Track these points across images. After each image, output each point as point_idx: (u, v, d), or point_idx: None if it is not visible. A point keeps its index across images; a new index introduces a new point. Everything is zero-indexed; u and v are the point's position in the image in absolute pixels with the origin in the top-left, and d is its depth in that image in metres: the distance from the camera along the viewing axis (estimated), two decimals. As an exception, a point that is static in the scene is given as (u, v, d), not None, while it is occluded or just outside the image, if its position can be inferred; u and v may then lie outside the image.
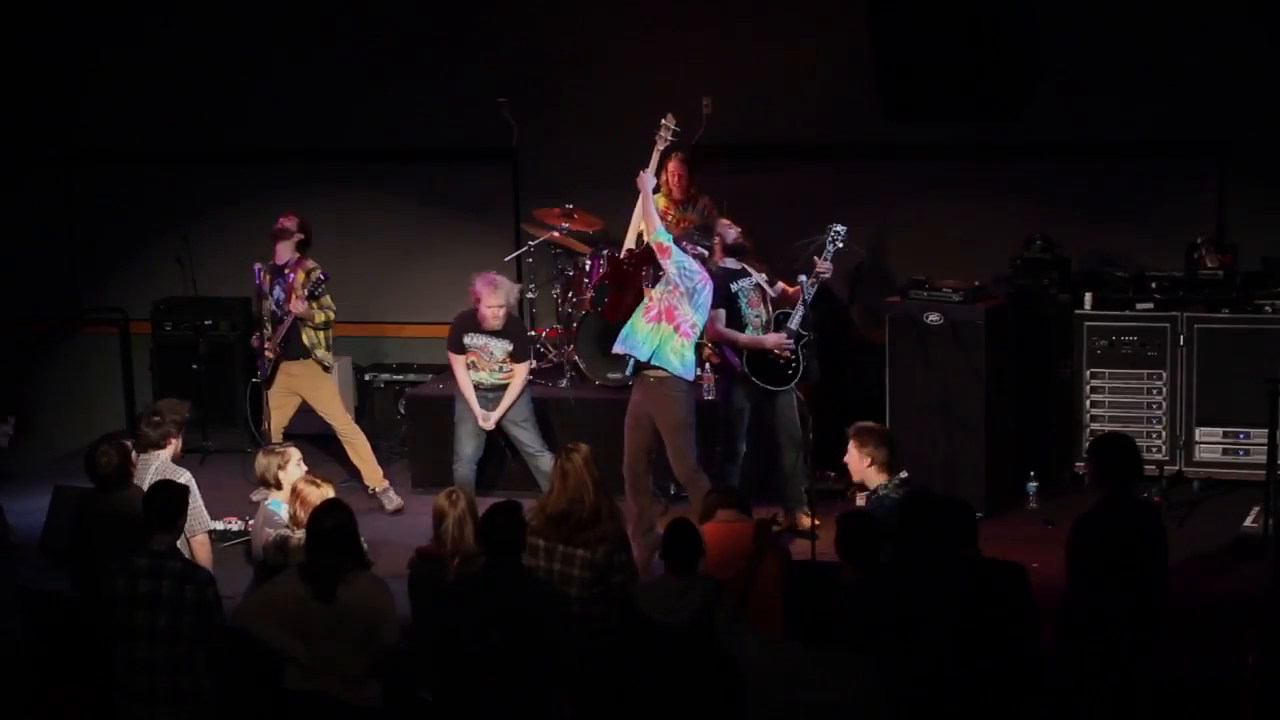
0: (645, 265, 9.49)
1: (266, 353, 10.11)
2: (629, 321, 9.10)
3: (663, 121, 9.71)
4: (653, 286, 9.09)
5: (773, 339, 9.30)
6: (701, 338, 10.37)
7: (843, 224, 9.38)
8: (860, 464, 7.53)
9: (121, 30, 12.33)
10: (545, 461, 9.61)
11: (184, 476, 7.79)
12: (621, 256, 10.10)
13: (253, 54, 12.08)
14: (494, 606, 6.38)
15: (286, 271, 10.13)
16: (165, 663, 6.59)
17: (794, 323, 9.30)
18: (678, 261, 8.89)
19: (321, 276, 10.04)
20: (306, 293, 9.99)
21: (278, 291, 10.12)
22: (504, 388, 9.85)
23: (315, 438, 10.57)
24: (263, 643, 6.61)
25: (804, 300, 9.30)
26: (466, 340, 9.85)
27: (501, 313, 9.73)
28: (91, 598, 7.27)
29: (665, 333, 8.92)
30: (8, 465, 11.16)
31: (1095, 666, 6.50)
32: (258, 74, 12.09)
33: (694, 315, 8.95)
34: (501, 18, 11.64)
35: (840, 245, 9.36)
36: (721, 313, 9.36)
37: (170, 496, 6.86)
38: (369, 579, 6.59)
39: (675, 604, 6.49)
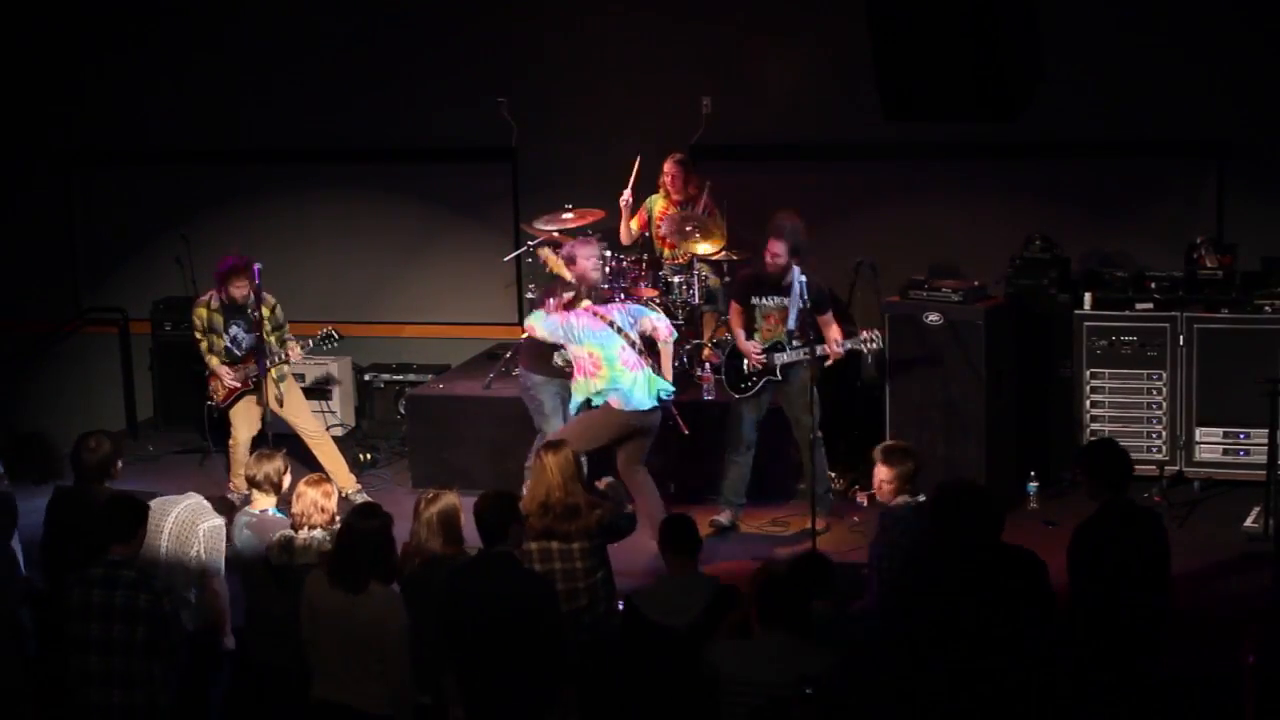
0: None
1: (234, 383, 9.98)
2: (607, 375, 9.03)
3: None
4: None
5: (744, 346, 9.44)
6: (701, 337, 10.43)
7: (878, 337, 9.40)
8: (886, 481, 7.41)
9: (121, 30, 12.33)
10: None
11: (217, 519, 7.56)
12: None
13: (253, 54, 12.09)
14: (487, 593, 6.42)
15: (250, 311, 9.91)
16: (119, 676, 6.52)
17: (780, 358, 9.38)
18: (545, 328, 9.07)
19: (333, 333, 10.13)
20: (312, 345, 10.02)
21: (235, 330, 10.00)
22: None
23: (294, 438, 10.58)
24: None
25: (794, 350, 9.31)
26: None
27: (600, 264, 9.58)
28: (58, 590, 7.21)
29: (652, 376, 9.09)
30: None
31: (1098, 673, 6.50)
32: (258, 74, 12.10)
33: (582, 350, 9.00)
34: (501, 18, 11.65)
35: (865, 351, 9.42)
36: (738, 309, 9.55)
37: (131, 509, 6.76)
38: (386, 593, 6.52)
39: (678, 604, 6.51)
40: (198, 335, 10.07)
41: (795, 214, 9.47)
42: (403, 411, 11.31)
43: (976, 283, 9.98)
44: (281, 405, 9.99)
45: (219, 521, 7.48)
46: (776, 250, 9.35)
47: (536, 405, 9.71)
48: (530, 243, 11.01)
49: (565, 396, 9.54)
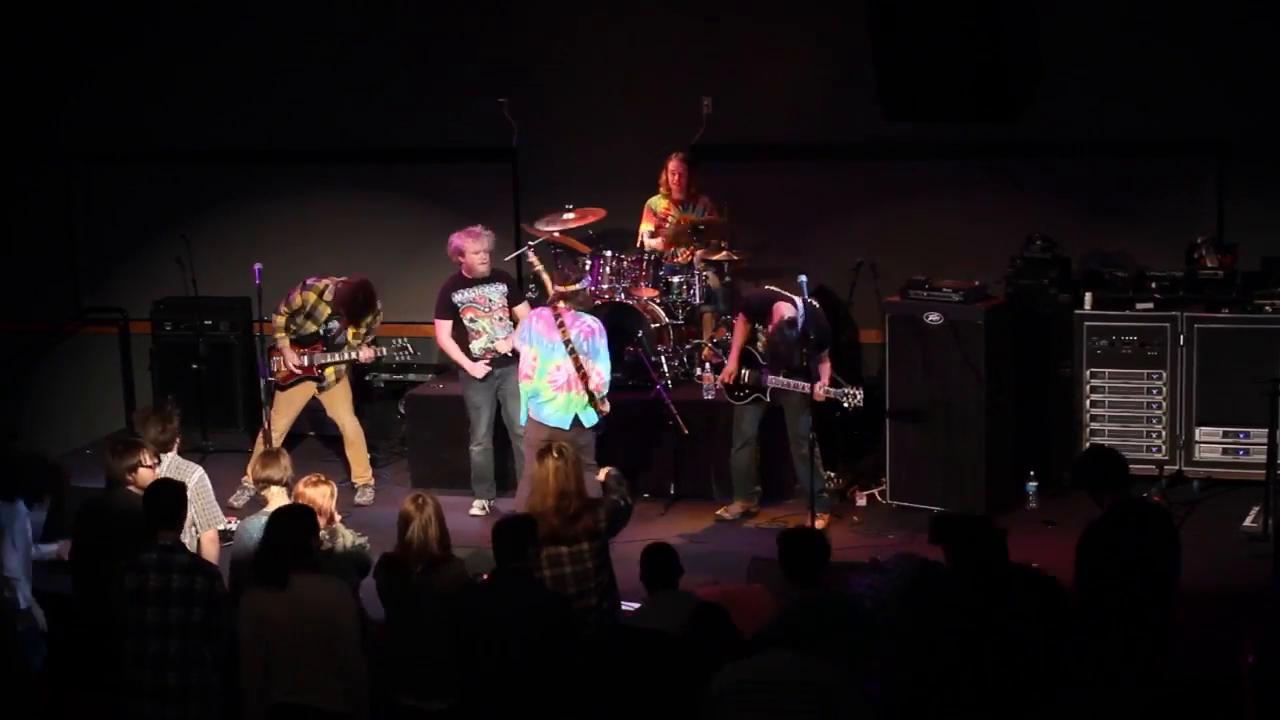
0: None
1: (296, 365, 10.13)
2: (533, 384, 9.17)
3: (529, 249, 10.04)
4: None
5: (730, 368, 9.56)
6: (701, 337, 10.44)
7: (860, 397, 9.33)
8: None
9: (122, 30, 12.32)
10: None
11: (196, 473, 7.82)
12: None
13: (253, 54, 12.08)
14: (505, 612, 6.44)
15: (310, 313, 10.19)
16: (176, 658, 6.60)
17: (772, 381, 9.45)
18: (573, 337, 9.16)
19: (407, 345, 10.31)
20: (385, 353, 10.21)
21: (334, 323, 10.15)
22: (516, 357, 9.71)
23: (318, 437, 10.60)
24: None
25: (789, 381, 9.37)
26: (458, 298, 9.87)
27: (488, 257, 9.83)
28: (91, 598, 7.29)
29: (578, 401, 9.14)
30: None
31: (1104, 672, 6.50)
32: (258, 74, 12.09)
33: (527, 351, 9.22)
34: (501, 18, 11.64)
35: (846, 406, 9.37)
36: (744, 319, 9.65)
37: (171, 492, 6.89)
38: (325, 581, 6.55)
39: (665, 614, 6.52)
40: (284, 311, 10.10)
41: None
42: (403, 411, 11.31)
43: (976, 283, 9.98)
44: (324, 390, 10.17)
45: (202, 472, 7.83)
46: (790, 314, 9.35)
47: (466, 401, 9.97)
48: (530, 243, 11.01)
49: (492, 394, 9.79)
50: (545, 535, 7.08)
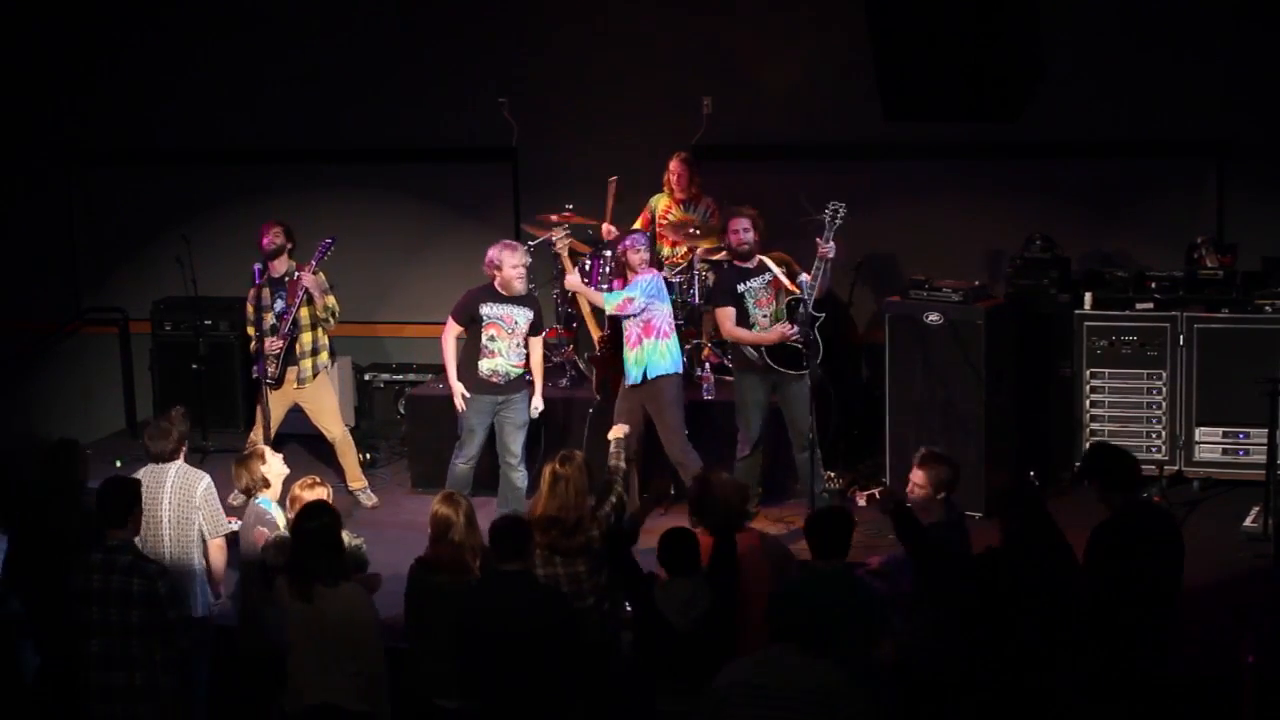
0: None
1: (273, 350, 9.83)
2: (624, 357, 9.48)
3: (554, 235, 9.95)
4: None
5: (776, 334, 9.38)
6: (701, 337, 10.43)
7: (841, 202, 9.26)
8: (918, 485, 7.39)
9: (122, 30, 12.34)
10: (520, 477, 9.49)
11: (204, 481, 7.73)
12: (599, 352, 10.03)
13: (254, 54, 12.09)
14: (503, 609, 6.45)
15: (288, 281, 9.94)
16: (120, 659, 6.65)
17: (804, 309, 9.29)
18: (643, 291, 9.37)
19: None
20: (316, 280, 9.87)
21: (279, 304, 9.92)
22: (519, 379, 9.44)
23: (305, 438, 10.60)
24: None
25: (813, 284, 9.27)
26: (485, 310, 9.35)
27: (525, 273, 9.44)
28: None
29: (650, 346, 9.37)
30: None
31: (1105, 671, 6.50)
32: (258, 74, 12.10)
33: (666, 308, 9.50)
34: (501, 18, 11.65)
35: (840, 222, 9.25)
36: (732, 311, 9.50)
37: (121, 492, 6.86)
38: (352, 590, 6.57)
39: (685, 607, 6.54)
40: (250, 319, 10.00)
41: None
42: (403, 411, 11.31)
43: (976, 283, 9.98)
44: (301, 387, 9.98)
45: (209, 480, 7.73)
46: (744, 225, 9.44)
47: (462, 418, 9.55)
48: (531, 243, 11.01)
49: (489, 419, 9.42)
50: (545, 544, 7.04)
